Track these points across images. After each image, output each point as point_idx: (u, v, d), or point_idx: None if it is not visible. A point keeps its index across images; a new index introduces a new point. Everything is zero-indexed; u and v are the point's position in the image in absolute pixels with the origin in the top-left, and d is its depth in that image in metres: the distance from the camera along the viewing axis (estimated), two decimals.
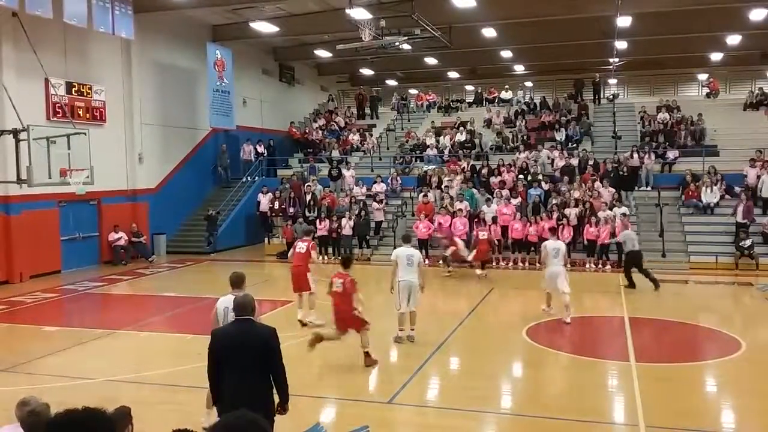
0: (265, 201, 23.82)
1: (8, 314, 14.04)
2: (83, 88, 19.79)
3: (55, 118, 18.37)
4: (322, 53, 28.77)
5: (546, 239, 19.19)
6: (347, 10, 18.92)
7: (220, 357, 5.37)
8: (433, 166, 24.75)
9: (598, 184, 21.05)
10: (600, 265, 18.96)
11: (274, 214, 23.59)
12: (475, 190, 21.93)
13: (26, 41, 16.78)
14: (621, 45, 25.81)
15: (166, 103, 23.63)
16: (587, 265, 19.12)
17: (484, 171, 23.12)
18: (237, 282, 7.08)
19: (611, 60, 28.08)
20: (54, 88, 18.40)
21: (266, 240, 23.33)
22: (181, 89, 24.46)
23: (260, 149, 27.06)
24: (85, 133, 15.76)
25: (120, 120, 21.54)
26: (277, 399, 5.51)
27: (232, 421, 2.92)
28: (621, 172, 21.92)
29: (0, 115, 16.89)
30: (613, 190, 20.74)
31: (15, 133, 14.99)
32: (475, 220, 19.44)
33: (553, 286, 12.50)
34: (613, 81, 33.14)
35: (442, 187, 22.52)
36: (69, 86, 19.28)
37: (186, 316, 13.79)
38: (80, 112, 19.53)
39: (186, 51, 24.44)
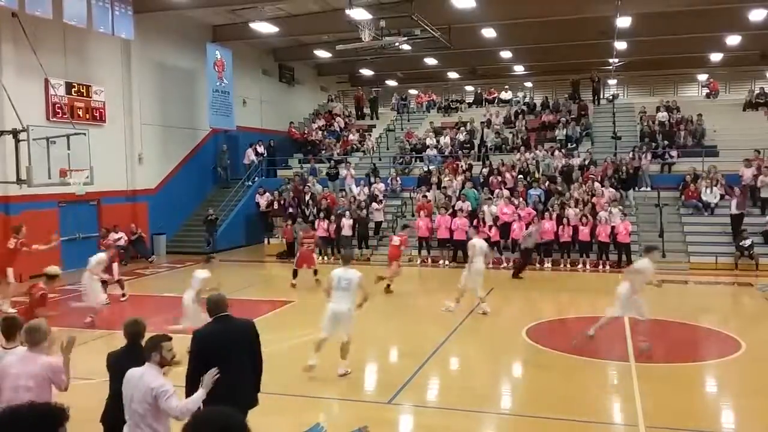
0: (262, 202, 23.83)
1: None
2: (83, 89, 19.79)
3: (54, 119, 18.38)
4: (322, 53, 28.77)
5: (548, 240, 19.42)
6: (347, 11, 18.93)
7: (211, 357, 5.18)
8: (434, 166, 24.73)
9: (597, 184, 21.04)
10: (600, 266, 18.94)
11: (272, 215, 23.60)
12: (473, 190, 21.90)
13: (26, 41, 16.76)
14: (621, 45, 25.81)
15: (166, 103, 23.62)
16: (578, 265, 19.10)
17: (485, 171, 23.12)
18: (348, 258, 9.32)
19: (611, 60, 28.07)
20: (54, 88, 18.39)
21: (266, 240, 23.32)
22: (181, 89, 24.45)
23: (260, 149, 27.07)
24: (84, 134, 15.77)
25: (120, 120, 21.54)
26: None
27: (213, 416, 2.93)
28: (620, 173, 21.92)
29: (0, 115, 16.88)
30: (613, 190, 20.73)
31: (15, 133, 14.99)
32: (475, 220, 19.42)
33: (473, 285, 12.81)
34: (612, 81, 33.13)
35: (442, 187, 22.51)
36: (69, 86, 19.29)
37: None
38: (80, 113, 19.54)
39: (186, 51, 24.43)
